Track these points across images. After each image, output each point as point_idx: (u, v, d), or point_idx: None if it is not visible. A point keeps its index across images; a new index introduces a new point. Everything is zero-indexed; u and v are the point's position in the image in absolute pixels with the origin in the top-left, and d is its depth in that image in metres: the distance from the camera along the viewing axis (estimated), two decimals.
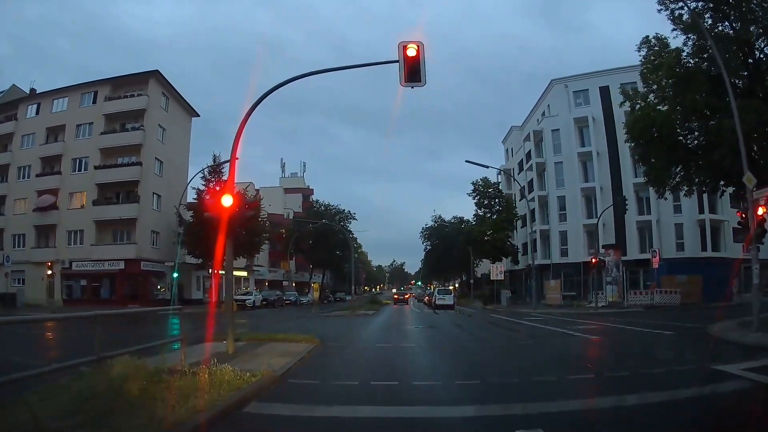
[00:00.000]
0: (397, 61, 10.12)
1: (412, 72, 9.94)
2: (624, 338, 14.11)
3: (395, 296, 67.60)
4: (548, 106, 49.05)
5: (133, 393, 5.54)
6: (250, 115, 10.28)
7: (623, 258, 35.67)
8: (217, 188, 31.81)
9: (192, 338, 11.90)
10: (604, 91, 43.47)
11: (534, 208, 47.11)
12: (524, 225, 50.75)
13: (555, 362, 9.91)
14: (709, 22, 17.91)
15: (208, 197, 32.64)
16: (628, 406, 5.87)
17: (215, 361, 7.70)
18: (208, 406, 5.26)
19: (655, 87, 20.30)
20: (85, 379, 5.69)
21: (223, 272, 10.63)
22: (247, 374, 6.94)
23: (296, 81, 10.43)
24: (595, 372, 8.17)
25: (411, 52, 10.03)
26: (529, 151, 50.90)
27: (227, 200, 9.55)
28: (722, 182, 20.02)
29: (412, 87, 10.10)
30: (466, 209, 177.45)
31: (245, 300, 39.09)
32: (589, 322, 19.93)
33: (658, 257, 30.79)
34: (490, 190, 48.78)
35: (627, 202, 32.79)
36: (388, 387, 7.17)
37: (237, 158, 10.73)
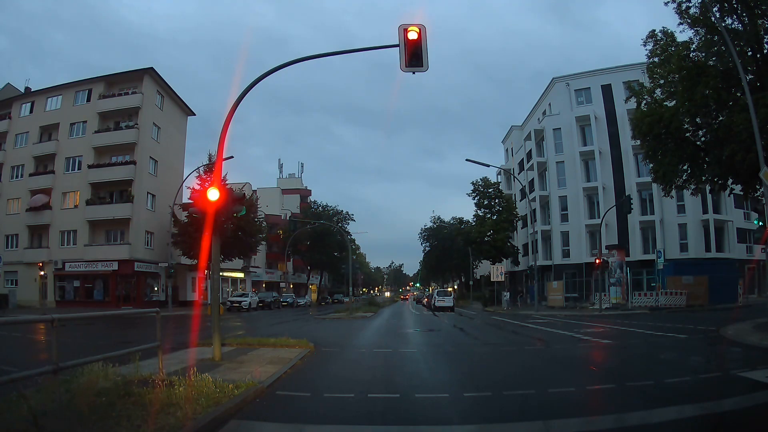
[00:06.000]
0: (397, 45, 9.45)
1: (414, 56, 9.26)
2: (637, 342, 13.38)
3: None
4: (549, 104, 48.45)
5: (95, 410, 4.83)
6: (239, 103, 9.60)
7: (626, 259, 35.03)
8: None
9: (177, 343, 11.23)
10: (606, 90, 43.03)
11: (535, 208, 46.43)
12: (525, 225, 50.10)
13: (570, 370, 9.18)
14: (717, 15, 17.30)
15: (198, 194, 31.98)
16: (663, 422, 5.20)
17: (196, 369, 6.96)
18: (176, 427, 4.53)
19: (662, 82, 19.72)
20: (41, 393, 4.99)
21: (210, 272, 9.83)
22: (230, 386, 6.20)
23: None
24: (616, 381, 7.46)
25: (412, 35, 9.37)
26: (530, 150, 50.29)
27: (213, 194, 8.83)
28: (731, 180, 19.40)
29: (414, 72, 9.42)
30: (467, 209, 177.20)
31: (241, 302, 38.48)
32: (596, 325, 19.25)
33: (663, 258, 30.15)
34: (490, 190, 48.18)
35: (632, 201, 32.12)
36: (387, 401, 6.40)
37: (226, 158, 10.02)
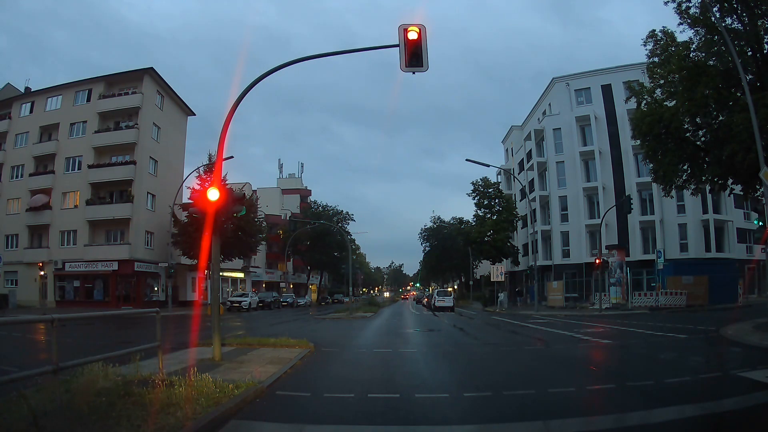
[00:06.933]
0: (397, 45, 9.46)
1: (414, 56, 9.27)
2: (637, 342, 13.38)
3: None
4: (549, 104, 48.46)
5: (95, 410, 4.83)
6: (239, 103, 9.61)
7: (626, 259, 35.05)
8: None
9: (177, 343, 11.23)
10: (606, 90, 43.03)
11: (535, 208, 46.44)
12: (525, 225, 50.11)
13: (570, 370, 9.19)
14: (717, 15, 17.31)
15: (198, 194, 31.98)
16: (663, 422, 5.20)
17: (196, 369, 6.96)
18: (176, 427, 4.54)
19: (662, 82, 19.71)
20: (40, 393, 4.99)
21: (210, 272, 9.82)
22: (230, 386, 6.20)
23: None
24: (616, 381, 7.47)
25: (412, 35, 9.38)
26: (530, 150, 50.30)
27: (213, 194, 8.83)
28: (731, 180, 19.41)
29: (414, 72, 9.43)
30: (467, 209, 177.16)
31: (241, 302, 38.46)
32: (596, 325, 19.25)
33: (663, 258, 30.15)
34: (490, 190, 48.19)
35: (632, 201, 32.12)
36: (387, 401, 6.40)
37: (226, 158, 10.03)
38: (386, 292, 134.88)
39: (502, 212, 46.84)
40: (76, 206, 38.58)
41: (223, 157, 10.65)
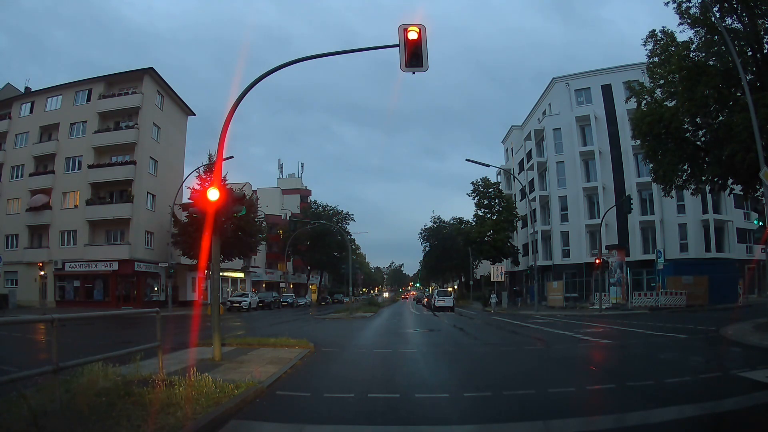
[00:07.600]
0: (397, 45, 9.46)
1: (414, 56, 9.28)
2: (637, 342, 13.40)
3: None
4: (549, 104, 48.48)
5: (95, 410, 4.83)
6: (239, 103, 9.62)
7: (626, 259, 35.05)
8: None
9: (177, 343, 11.24)
10: (606, 90, 43.05)
11: (535, 208, 46.45)
12: (525, 225, 50.12)
13: (570, 370, 9.19)
14: (717, 15, 17.30)
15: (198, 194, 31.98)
16: (663, 422, 5.20)
17: (196, 369, 6.96)
18: (176, 427, 4.54)
19: (662, 81, 19.72)
20: (40, 393, 4.99)
21: (210, 272, 9.82)
22: (230, 386, 6.20)
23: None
24: (616, 381, 7.47)
25: (412, 35, 9.39)
26: (530, 150, 50.31)
27: (213, 194, 8.83)
28: (731, 180, 19.40)
29: (414, 72, 9.44)
30: (467, 209, 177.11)
31: (241, 302, 38.48)
32: (596, 325, 19.26)
33: (663, 258, 30.16)
34: (490, 190, 48.22)
35: (632, 201, 32.12)
36: (387, 401, 6.40)
37: (226, 158, 10.02)
38: (386, 292, 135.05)
39: (502, 212, 46.86)
40: (76, 206, 38.59)
41: (223, 157, 10.65)
